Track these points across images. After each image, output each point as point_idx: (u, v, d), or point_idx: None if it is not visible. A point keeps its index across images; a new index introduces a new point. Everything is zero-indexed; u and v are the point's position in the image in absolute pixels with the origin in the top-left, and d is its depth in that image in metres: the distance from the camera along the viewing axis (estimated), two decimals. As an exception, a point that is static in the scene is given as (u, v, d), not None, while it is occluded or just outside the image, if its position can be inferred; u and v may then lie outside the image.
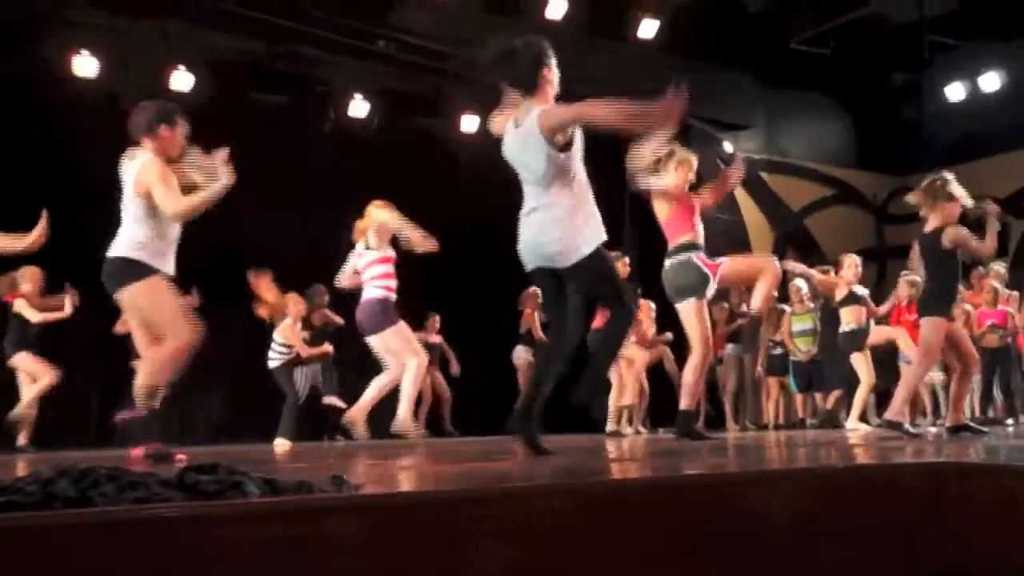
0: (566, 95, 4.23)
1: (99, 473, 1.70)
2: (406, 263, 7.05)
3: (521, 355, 10.57)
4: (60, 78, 9.19)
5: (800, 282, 10.82)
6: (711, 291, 6.00)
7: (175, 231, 4.75)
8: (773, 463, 3.23)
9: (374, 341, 6.84)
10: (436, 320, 10.84)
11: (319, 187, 10.04)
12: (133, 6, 9.18)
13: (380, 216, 6.93)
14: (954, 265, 5.66)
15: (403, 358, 6.76)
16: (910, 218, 6.56)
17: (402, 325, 6.84)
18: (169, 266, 4.73)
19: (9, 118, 9.00)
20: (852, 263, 8.97)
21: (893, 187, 13.22)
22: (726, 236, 11.94)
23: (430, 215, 7.14)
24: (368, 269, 6.87)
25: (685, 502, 1.99)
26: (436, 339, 10.76)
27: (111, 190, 4.80)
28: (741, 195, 12.22)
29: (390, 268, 6.88)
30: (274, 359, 8.86)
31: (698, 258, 5.93)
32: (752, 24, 11.89)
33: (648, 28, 10.84)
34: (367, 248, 6.93)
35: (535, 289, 8.69)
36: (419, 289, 8.58)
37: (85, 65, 9.27)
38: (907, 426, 5.70)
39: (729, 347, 11.01)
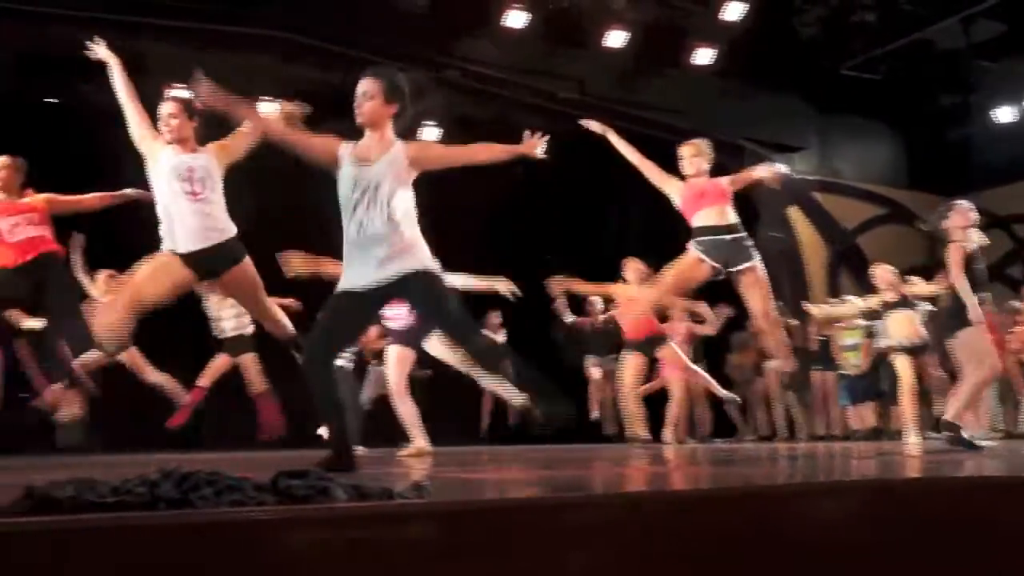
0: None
1: (199, 477, 1.73)
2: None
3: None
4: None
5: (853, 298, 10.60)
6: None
7: None
8: (820, 476, 3.18)
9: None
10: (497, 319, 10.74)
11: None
12: (221, 43, 9.39)
13: None
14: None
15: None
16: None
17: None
18: None
19: (87, 146, 9.21)
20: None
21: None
22: (781, 254, 11.75)
23: (491, 229, 7.11)
24: None
25: (739, 512, 1.97)
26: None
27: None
28: (795, 214, 12.08)
29: None
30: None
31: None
32: (804, 51, 11.77)
33: (704, 55, 10.79)
34: None
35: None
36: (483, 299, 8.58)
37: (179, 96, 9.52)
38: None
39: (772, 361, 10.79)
